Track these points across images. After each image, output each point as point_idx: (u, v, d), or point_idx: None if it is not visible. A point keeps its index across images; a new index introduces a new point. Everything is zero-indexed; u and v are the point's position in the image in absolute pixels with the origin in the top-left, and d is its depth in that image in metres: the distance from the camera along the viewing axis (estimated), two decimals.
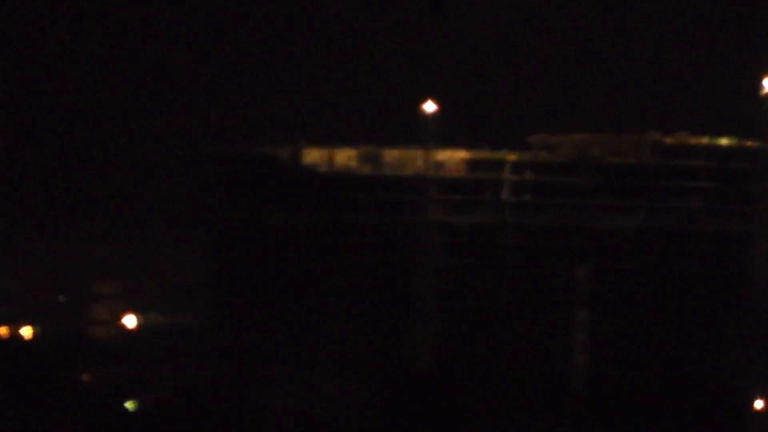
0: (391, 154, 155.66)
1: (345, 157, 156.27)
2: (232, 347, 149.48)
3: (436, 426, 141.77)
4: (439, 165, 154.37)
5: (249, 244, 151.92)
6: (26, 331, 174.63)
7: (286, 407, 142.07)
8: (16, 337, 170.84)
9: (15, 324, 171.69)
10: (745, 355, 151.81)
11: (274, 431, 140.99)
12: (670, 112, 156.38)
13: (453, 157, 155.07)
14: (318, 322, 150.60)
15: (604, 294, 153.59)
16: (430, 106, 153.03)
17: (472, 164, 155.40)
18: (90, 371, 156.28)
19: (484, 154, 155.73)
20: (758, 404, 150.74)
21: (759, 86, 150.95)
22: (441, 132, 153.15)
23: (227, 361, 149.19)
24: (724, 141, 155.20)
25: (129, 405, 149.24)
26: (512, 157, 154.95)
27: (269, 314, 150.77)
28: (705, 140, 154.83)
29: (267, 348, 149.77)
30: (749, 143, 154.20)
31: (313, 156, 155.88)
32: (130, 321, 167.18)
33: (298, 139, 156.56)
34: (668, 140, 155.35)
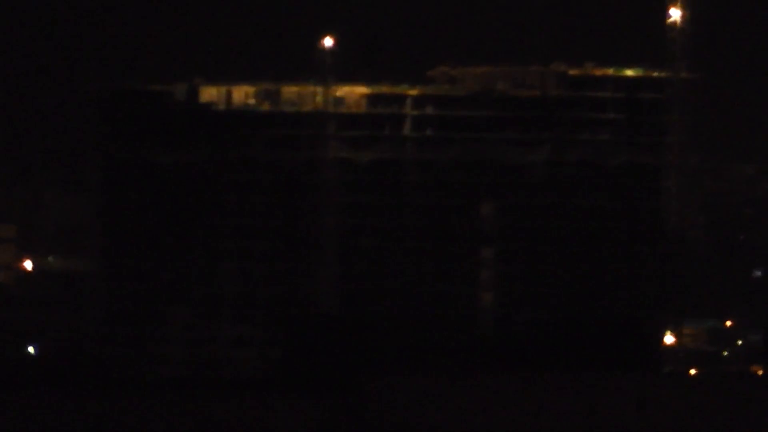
0: (289, 91, 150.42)
1: (243, 94, 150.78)
2: (125, 292, 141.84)
3: (337, 370, 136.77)
4: (339, 101, 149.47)
5: (141, 185, 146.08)
6: None
7: (181, 352, 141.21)
8: None
9: None
10: (656, 291, 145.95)
11: (170, 376, 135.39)
12: (575, 43, 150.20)
13: (353, 92, 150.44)
14: (214, 264, 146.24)
15: (511, 230, 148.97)
16: (328, 42, 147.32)
17: (372, 99, 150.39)
18: None
19: (384, 88, 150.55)
20: (668, 339, 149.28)
21: (665, 15, 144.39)
22: (340, 67, 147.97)
23: (121, 306, 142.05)
24: (630, 72, 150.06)
25: (30, 349, 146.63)
26: (413, 91, 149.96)
27: (163, 257, 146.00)
28: (611, 71, 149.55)
29: (161, 292, 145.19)
30: (657, 73, 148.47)
31: (210, 93, 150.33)
32: (27, 265, 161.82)
33: (194, 76, 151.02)
34: (573, 72, 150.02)
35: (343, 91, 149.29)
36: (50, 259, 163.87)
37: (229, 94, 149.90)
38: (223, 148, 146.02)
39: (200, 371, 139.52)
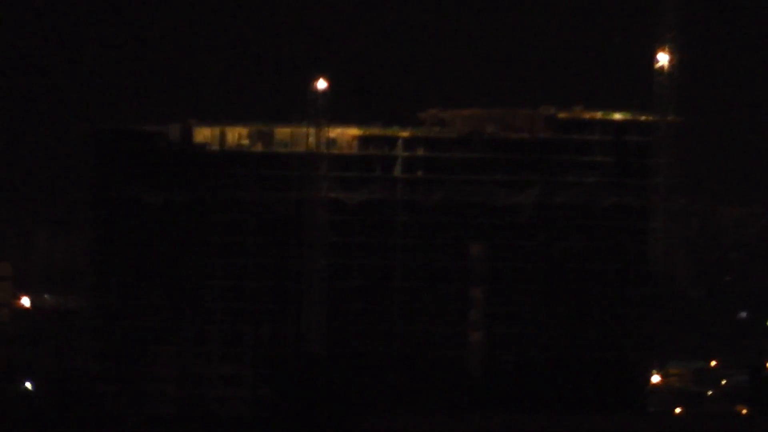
0: (282, 132, 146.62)
1: (236, 135, 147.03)
2: (115, 330, 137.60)
3: (325, 408, 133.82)
4: (331, 142, 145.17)
5: (133, 224, 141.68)
6: None
7: (168, 390, 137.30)
8: None
9: None
10: (642, 332, 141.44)
11: (157, 414, 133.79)
12: (564, 87, 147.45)
13: (345, 134, 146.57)
14: (203, 302, 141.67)
15: (500, 271, 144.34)
16: (321, 84, 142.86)
17: (363, 141, 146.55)
18: None
19: (375, 130, 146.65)
20: (654, 379, 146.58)
21: (653, 60, 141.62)
22: (332, 109, 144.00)
23: (111, 343, 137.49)
24: (618, 115, 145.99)
25: (28, 385, 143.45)
26: (404, 133, 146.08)
27: (153, 296, 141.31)
28: (599, 114, 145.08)
29: (151, 330, 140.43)
30: (644, 117, 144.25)
31: (204, 134, 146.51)
32: (25, 302, 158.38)
33: (189, 117, 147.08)
34: (562, 115, 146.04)
35: (335, 132, 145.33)
36: (46, 296, 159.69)
37: (222, 135, 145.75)
38: (215, 188, 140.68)
39: (190, 409, 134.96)
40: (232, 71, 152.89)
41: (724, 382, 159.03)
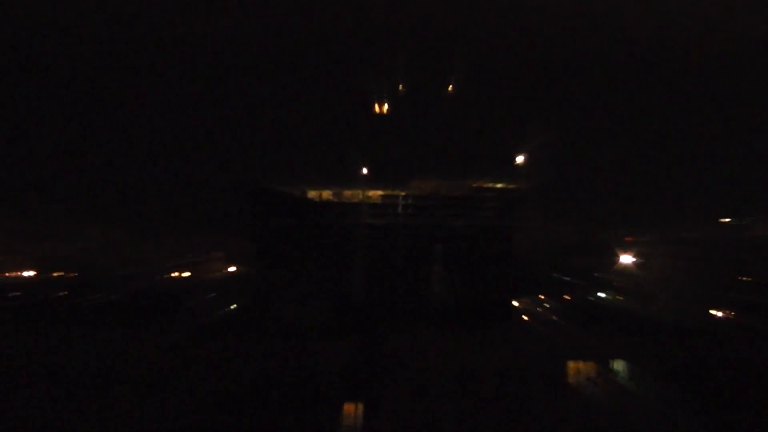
0: (347, 193, 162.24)
1: (327, 194, 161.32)
2: (266, 285, 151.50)
3: (367, 325, 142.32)
4: (368, 197, 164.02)
5: (272, 238, 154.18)
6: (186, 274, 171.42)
7: (286, 317, 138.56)
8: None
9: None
10: (514, 285, 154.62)
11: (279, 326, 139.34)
12: (480, 169, 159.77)
13: (375, 193, 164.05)
14: (301, 275, 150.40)
15: (450, 259, 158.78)
16: (364, 170, 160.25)
17: (383, 197, 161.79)
18: (215, 293, 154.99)
19: (388, 191, 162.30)
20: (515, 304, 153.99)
21: (514, 159, 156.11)
22: (368, 181, 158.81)
23: (262, 291, 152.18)
24: (499, 185, 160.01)
25: (232, 306, 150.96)
26: (402, 193, 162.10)
27: (280, 271, 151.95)
28: (490, 184, 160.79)
29: (280, 287, 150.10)
30: (511, 185, 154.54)
31: (312, 194, 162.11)
32: (232, 269, 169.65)
33: (303, 183, 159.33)
34: (473, 184, 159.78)
35: (370, 192, 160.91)
36: (241, 267, 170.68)
37: (320, 194, 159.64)
38: (314, 219, 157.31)
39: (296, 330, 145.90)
40: (329, 163, 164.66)
41: (547, 305, 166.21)
